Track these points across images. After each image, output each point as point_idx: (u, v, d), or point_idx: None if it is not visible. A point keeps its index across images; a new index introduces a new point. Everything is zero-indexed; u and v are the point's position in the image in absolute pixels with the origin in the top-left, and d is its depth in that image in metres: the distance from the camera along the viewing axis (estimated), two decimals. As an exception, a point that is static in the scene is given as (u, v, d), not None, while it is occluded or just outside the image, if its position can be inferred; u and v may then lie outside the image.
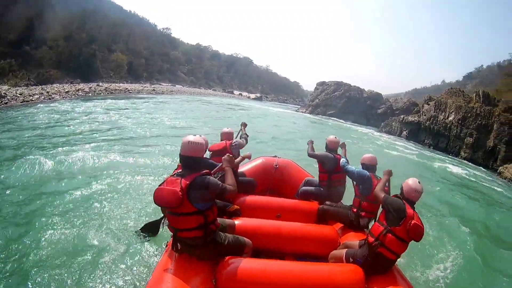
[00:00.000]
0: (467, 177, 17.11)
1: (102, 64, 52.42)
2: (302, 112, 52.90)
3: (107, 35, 60.27)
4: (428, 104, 34.10)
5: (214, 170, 3.56)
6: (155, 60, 73.36)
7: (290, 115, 41.32)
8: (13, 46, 40.55)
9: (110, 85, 40.15)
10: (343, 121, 45.01)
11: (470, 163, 23.70)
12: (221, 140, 5.36)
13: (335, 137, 5.51)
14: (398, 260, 3.57)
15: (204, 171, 3.07)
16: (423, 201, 6.66)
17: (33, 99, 21.35)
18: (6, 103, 18.58)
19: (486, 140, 24.79)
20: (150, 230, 4.14)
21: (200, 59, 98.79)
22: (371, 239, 3.47)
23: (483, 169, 22.13)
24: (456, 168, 19.29)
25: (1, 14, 43.10)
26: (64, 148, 9.24)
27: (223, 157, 3.51)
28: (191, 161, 3.09)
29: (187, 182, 2.89)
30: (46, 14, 49.31)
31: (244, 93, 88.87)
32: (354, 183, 4.79)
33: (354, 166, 4.85)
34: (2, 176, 6.83)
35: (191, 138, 3.11)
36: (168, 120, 18.14)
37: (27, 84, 34.97)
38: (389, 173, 4.15)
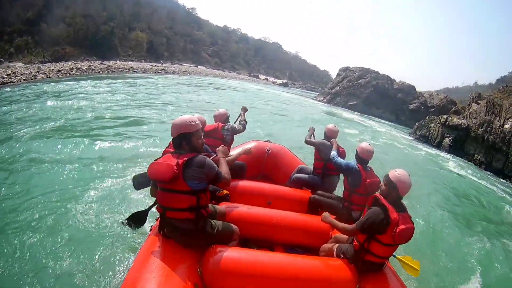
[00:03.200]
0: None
1: (122, 42, 51.92)
2: (318, 100, 46.06)
3: (128, 13, 59.77)
4: (478, 104, 24.83)
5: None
6: (178, 40, 72.09)
7: (299, 103, 34.05)
8: (30, 23, 40.95)
9: (115, 63, 38.92)
10: (367, 115, 37.91)
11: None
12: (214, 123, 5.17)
13: (335, 126, 5.47)
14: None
15: (202, 153, 3.02)
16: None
17: (14, 80, 20.17)
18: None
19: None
20: (135, 221, 3.64)
21: (227, 42, 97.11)
22: (356, 244, 3.35)
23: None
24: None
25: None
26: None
27: (217, 148, 3.57)
28: (174, 141, 3.06)
29: (185, 159, 2.85)
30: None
31: (271, 78, 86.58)
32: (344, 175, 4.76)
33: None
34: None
35: (180, 117, 3.03)
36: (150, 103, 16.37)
37: (42, 61, 35.15)
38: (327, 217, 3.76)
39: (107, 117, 11.90)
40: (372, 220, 3.14)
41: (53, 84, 19.10)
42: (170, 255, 2.88)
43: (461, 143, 23.55)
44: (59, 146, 7.83)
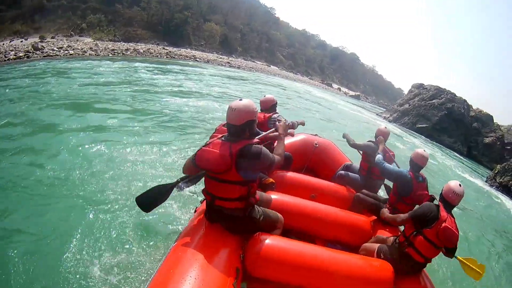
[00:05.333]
0: None
1: (195, 32, 52.64)
2: (384, 117, 41.22)
3: (206, 5, 60.65)
4: None
5: (265, 135, 3.30)
6: (253, 37, 72.12)
7: (359, 118, 27.89)
8: (106, 3, 42.35)
9: (179, 50, 39.27)
10: (436, 144, 31.81)
11: None
12: (260, 110, 4.70)
13: (385, 127, 5.34)
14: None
15: (255, 140, 2.83)
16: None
17: (59, 54, 20.61)
18: (28, 56, 18.03)
19: None
20: (152, 199, 3.16)
21: (304, 46, 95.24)
22: (402, 239, 3.44)
23: None
24: None
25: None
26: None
27: (278, 123, 3.38)
28: (235, 129, 2.79)
29: (238, 148, 2.68)
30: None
31: (344, 89, 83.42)
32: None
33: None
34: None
35: (233, 103, 2.78)
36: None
37: (112, 40, 36.03)
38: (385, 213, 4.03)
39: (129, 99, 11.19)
40: (424, 210, 3.29)
41: (93, 61, 18.96)
42: (214, 238, 2.88)
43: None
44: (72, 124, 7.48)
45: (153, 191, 3.13)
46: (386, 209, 3.98)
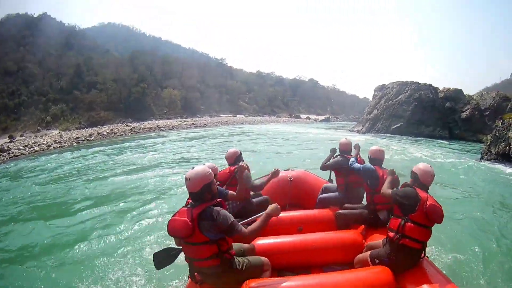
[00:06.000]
0: None
1: (155, 101, 53.25)
2: (357, 131, 38.73)
3: (159, 73, 62.13)
4: None
5: (253, 218, 3.43)
6: (212, 92, 73.40)
7: (325, 139, 25.42)
8: (64, 92, 42.92)
9: (142, 124, 39.49)
10: (417, 138, 30.78)
11: None
12: (228, 165, 5.01)
13: (346, 139, 5.59)
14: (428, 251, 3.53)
15: (217, 201, 3.06)
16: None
17: (25, 152, 20.18)
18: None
19: None
20: (163, 258, 3.40)
21: (262, 87, 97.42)
22: (391, 234, 3.40)
23: None
24: None
25: (53, 63, 45.81)
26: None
27: (270, 206, 3.30)
28: (195, 196, 3.01)
29: (197, 212, 2.89)
30: (95, 59, 51.63)
31: (312, 116, 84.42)
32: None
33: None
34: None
35: (188, 174, 3.03)
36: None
37: (78, 128, 36.23)
38: (393, 173, 4.01)
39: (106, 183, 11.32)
40: (405, 192, 3.36)
41: (56, 155, 18.78)
42: None
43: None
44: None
45: (165, 251, 3.39)
46: (392, 169, 3.99)
